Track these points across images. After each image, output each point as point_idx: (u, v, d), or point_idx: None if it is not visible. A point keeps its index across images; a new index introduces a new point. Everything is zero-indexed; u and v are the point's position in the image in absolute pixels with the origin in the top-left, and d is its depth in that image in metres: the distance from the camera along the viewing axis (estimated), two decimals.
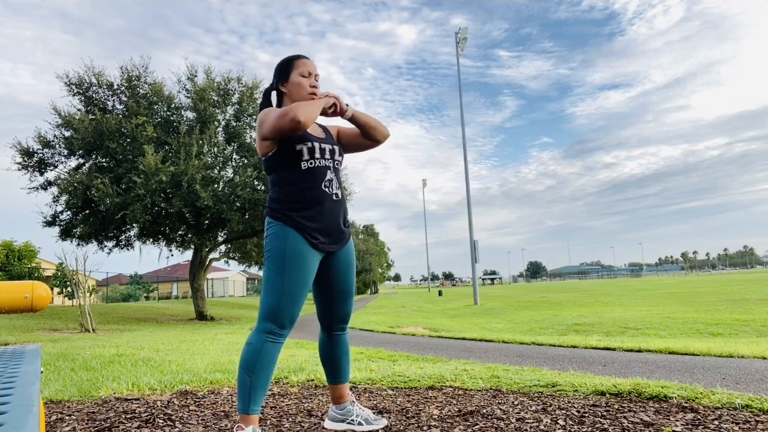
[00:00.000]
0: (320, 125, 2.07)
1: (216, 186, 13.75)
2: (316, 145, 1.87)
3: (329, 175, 1.89)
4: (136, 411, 2.37)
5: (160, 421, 2.19)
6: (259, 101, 15.36)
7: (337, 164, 1.94)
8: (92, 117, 13.05)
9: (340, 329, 2.03)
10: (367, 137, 2.04)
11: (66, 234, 14.17)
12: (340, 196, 1.92)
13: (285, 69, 1.95)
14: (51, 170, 14.10)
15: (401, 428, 1.99)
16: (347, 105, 1.96)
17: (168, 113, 14.53)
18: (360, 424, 1.98)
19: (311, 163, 1.85)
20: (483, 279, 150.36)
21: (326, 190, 1.86)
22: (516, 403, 2.34)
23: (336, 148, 1.96)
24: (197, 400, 2.63)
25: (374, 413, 2.13)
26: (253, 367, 1.72)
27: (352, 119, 1.98)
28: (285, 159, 1.84)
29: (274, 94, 2.01)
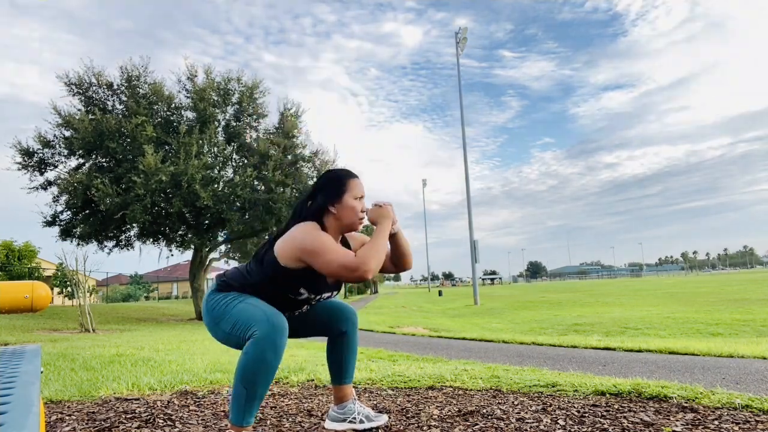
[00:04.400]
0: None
1: (216, 186, 13.76)
2: (319, 296, 1.83)
3: (305, 308, 1.90)
4: (136, 411, 2.37)
5: (160, 421, 2.19)
6: (259, 101, 15.38)
7: (323, 300, 1.92)
8: (92, 117, 13.05)
9: (352, 324, 2.03)
10: (395, 261, 1.91)
11: (66, 234, 14.18)
12: (297, 314, 1.92)
13: (339, 187, 1.79)
14: (51, 170, 14.13)
15: (401, 428, 1.99)
16: (397, 221, 1.83)
17: (168, 113, 14.53)
18: (361, 421, 1.98)
19: (302, 298, 1.81)
20: (483, 279, 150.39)
21: (287, 314, 1.82)
22: (516, 403, 2.34)
23: (335, 293, 1.90)
24: (197, 400, 2.63)
25: (375, 411, 2.13)
26: (250, 380, 1.59)
27: (393, 236, 1.84)
28: (283, 284, 1.75)
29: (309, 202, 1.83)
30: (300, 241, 1.66)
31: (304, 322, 1.98)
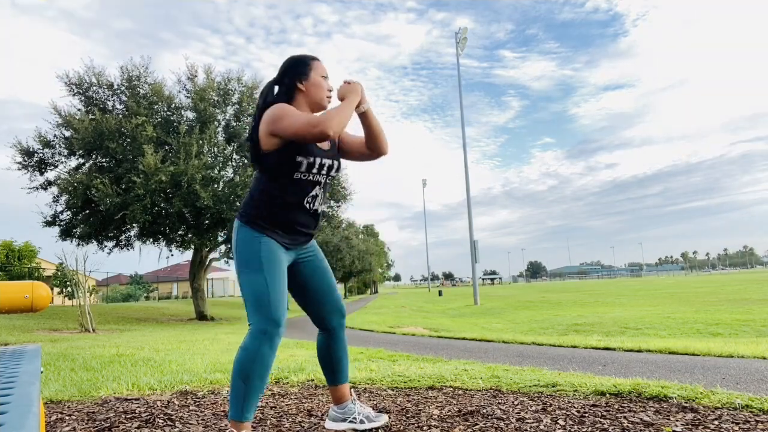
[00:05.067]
0: None
1: (216, 186, 13.75)
2: (317, 160, 1.82)
3: (316, 190, 1.87)
4: (136, 411, 2.37)
5: (160, 421, 2.19)
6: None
7: (329, 179, 1.92)
8: (92, 117, 13.05)
9: (339, 325, 2.01)
10: (369, 144, 1.95)
11: (66, 234, 14.18)
12: (318, 211, 1.91)
13: (304, 66, 1.88)
14: (51, 170, 14.12)
15: (401, 428, 1.99)
16: (366, 99, 1.88)
17: (168, 113, 14.53)
18: (362, 422, 1.97)
19: (304, 176, 1.81)
20: (483, 279, 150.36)
21: (306, 205, 1.84)
22: (516, 403, 2.34)
23: (336, 163, 1.91)
24: (197, 400, 2.63)
25: (375, 411, 2.12)
26: (249, 374, 1.65)
27: (364, 115, 1.88)
28: (280, 164, 1.79)
29: (275, 88, 1.92)
30: (268, 115, 1.76)
31: (307, 285, 1.96)
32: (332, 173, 1.91)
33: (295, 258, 1.93)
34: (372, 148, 1.96)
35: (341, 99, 1.83)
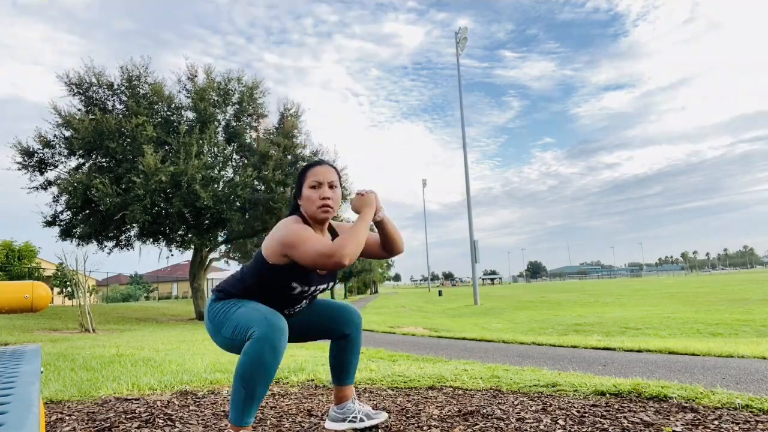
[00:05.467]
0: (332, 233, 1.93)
1: (216, 186, 13.75)
2: (313, 288, 1.83)
3: (302, 304, 1.89)
4: (136, 411, 2.37)
5: (160, 421, 2.19)
6: (259, 101, 15.38)
7: (318, 294, 1.92)
8: (92, 117, 13.05)
9: (356, 328, 2.03)
10: (386, 248, 1.90)
11: (66, 234, 14.18)
12: (305, 306, 1.92)
13: (299, 181, 1.83)
14: (51, 170, 14.13)
15: (401, 428, 1.99)
16: (381, 208, 1.83)
17: (168, 113, 14.53)
18: (361, 420, 1.97)
19: (296, 292, 1.81)
20: (483, 279, 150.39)
21: (285, 312, 1.84)
22: (516, 403, 2.34)
23: (331, 284, 1.90)
24: (197, 400, 2.63)
25: (374, 409, 2.12)
26: (249, 380, 1.59)
27: (380, 224, 1.84)
28: (275, 281, 1.76)
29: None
30: (279, 235, 1.69)
31: (309, 326, 1.98)
32: (323, 291, 1.92)
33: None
34: (388, 251, 1.92)
35: (355, 211, 1.78)
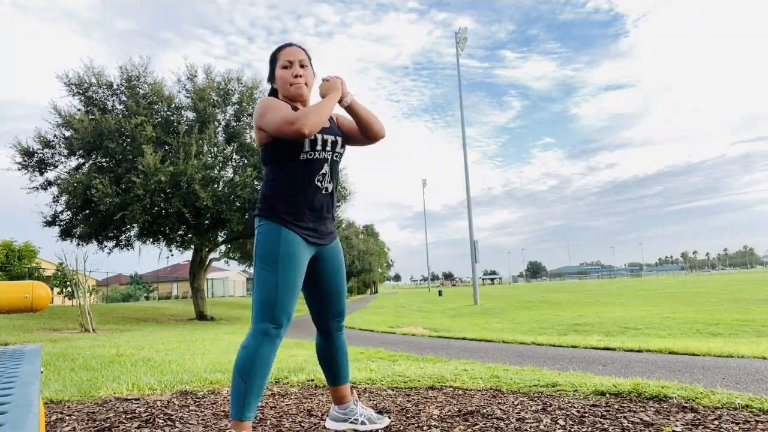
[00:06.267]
0: None
1: (216, 186, 13.75)
2: (319, 136, 1.82)
3: (325, 168, 1.85)
4: (136, 411, 2.37)
5: (160, 421, 2.19)
6: (258, 100, 15.37)
7: (336, 156, 1.90)
8: (92, 117, 13.04)
9: (338, 329, 2.01)
10: (363, 133, 1.95)
11: (66, 234, 14.17)
12: (330, 190, 1.89)
13: (271, 64, 1.92)
14: (51, 170, 14.11)
15: (401, 428, 1.99)
16: (348, 93, 1.87)
17: (168, 113, 14.52)
18: (363, 423, 1.97)
19: (310, 155, 1.80)
20: (483, 279, 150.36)
21: (318, 184, 1.83)
22: (516, 403, 2.34)
23: (339, 139, 1.90)
24: (197, 400, 2.63)
25: (377, 412, 2.12)
26: (249, 372, 1.66)
27: (349, 108, 1.88)
28: (283, 149, 1.79)
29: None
30: (255, 111, 1.81)
31: (320, 280, 1.94)
32: (337, 149, 1.90)
33: (317, 253, 1.90)
34: (367, 136, 1.96)
35: (322, 96, 1.83)
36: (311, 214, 1.83)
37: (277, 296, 1.71)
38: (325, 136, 1.85)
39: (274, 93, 1.96)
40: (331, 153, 1.87)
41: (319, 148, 1.82)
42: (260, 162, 1.95)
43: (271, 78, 1.93)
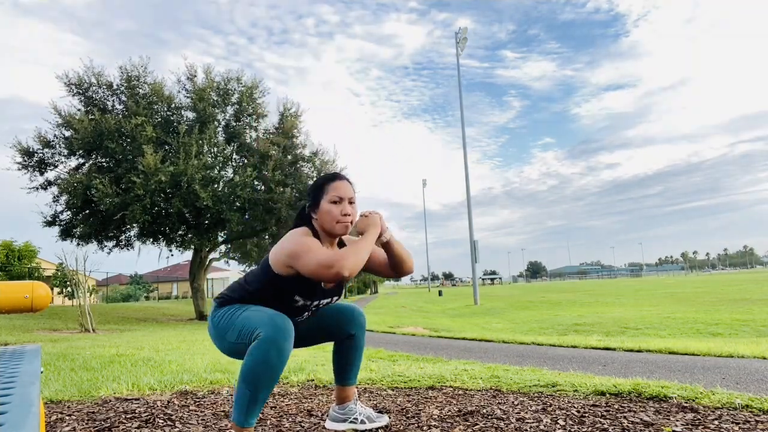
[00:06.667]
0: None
1: (216, 186, 13.75)
2: (315, 302, 1.83)
3: (305, 315, 1.89)
4: (136, 411, 2.37)
5: (160, 421, 2.19)
6: (258, 101, 15.37)
7: (322, 307, 1.93)
8: (92, 117, 13.05)
9: (359, 328, 2.03)
10: (394, 268, 1.89)
11: (66, 234, 14.18)
12: (311, 315, 1.92)
13: (317, 193, 1.81)
14: (51, 170, 14.12)
15: (401, 428, 1.99)
16: (387, 229, 1.82)
17: (168, 113, 14.53)
18: (363, 422, 1.97)
19: (301, 305, 1.81)
20: (483, 279, 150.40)
21: (296, 319, 1.84)
22: (516, 403, 2.34)
23: (335, 297, 1.91)
24: (197, 400, 2.63)
25: (376, 411, 2.13)
26: (254, 381, 1.58)
27: (386, 245, 1.83)
28: (278, 292, 1.76)
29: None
30: (285, 246, 1.69)
31: (312, 330, 1.97)
32: (326, 305, 1.93)
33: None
34: (396, 271, 1.91)
35: (360, 233, 1.78)
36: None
37: (268, 312, 1.67)
38: (322, 301, 1.86)
39: (306, 221, 1.84)
40: (320, 306, 1.90)
41: (311, 307, 1.85)
42: (253, 270, 1.89)
43: (312, 208, 1.81)
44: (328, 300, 1.89)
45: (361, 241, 1.72)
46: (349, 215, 1.78)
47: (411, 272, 1.93)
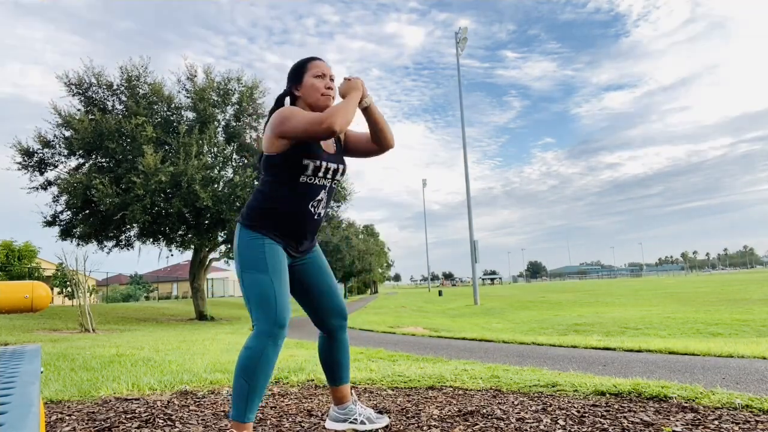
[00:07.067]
0: None
1: (216, 186, 13.75)
2: (324, 164, 1.83)
3: (321, 194, 1.87)
4: (136, 411, 2.37)
5: (160, 421, 2.19)
6: (259, 101, 15.37)
7: (334, 183, 1.92)
8: (92, 117, 13.05)
9: (340, 327, 2.02)
10: (375, 139, 1.95)
11: (66, 234, 14.17)
12: (321, 215, 1.91)
13: (298, 72, 1.90)
14: (51, 170, 14.11)
15: (401, 428, 1.99)
16: (368, 94, 1.88)
17: (168, 113, 14.53)
18: (363, 423, 1.97)
19: (310, 179, 1.82)
20: (483, 279, 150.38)
21: (311, 209, 1.85)
22: (516, 403, 2.34)
23: (341, 167, 1.92)
24: (197, 400, 2.63)
25: (376, 412, 2.13)
26: (252, 373, 1.65)
27: (367, 110, 1.89)
28: (286, 167, 1.79)
29: (287, 99, 1.96)
30: (273, 119, 1.78)
31: (309, 285, 1.96)
32: (338, 177, 1.92)
33: (298, 262, 1.94)
34: (378, 143, 1.97)
35: (343, 96, 1.83)
36: (296, 234, 1.85)
37: (276, 295, 1.71)
38: (330, 164, 1.86)
39: (282, 101, 1.94)
40: (330, 180, 1.89)
41: (321, 174, 1.84)
42: (260, 169, 1.93)
43: (295, 85, 1.90)
44: (335, 166, 1.88)
45: (345, 100, 1.79)
46: (332, 89, 1.89)
47: (392, 145, 1.99)
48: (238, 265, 1.81)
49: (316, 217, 1.88)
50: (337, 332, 2.02)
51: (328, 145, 1.92)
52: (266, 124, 1.87)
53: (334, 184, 1.93)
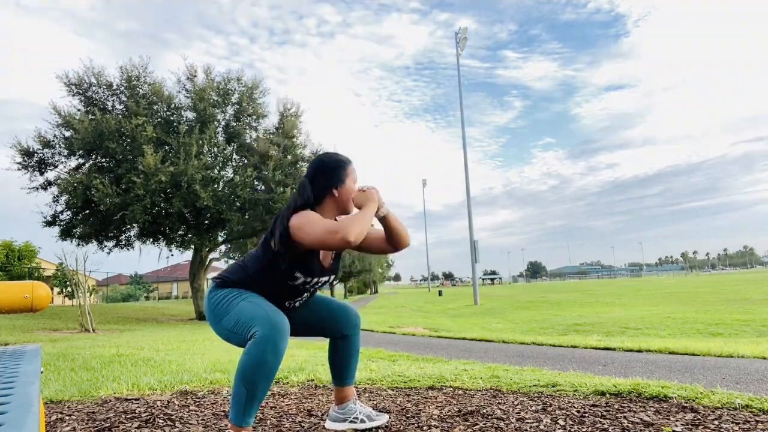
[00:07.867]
0: None
1: (216, 186, 13.76)
2: (314, 280, 1.84)
3: (304, 297, 1.90)
4: (136, 411, 2.37)
5: (160, 421, 2.19)
6: (258, 101, 15.37)
7: (318, 289, 1.94)
8: (92, 117, 13.05)
9: (354, 328, 2.03)
10: (391, 242, 1.91)
11: (66, 234, 14.17)
12: (297, 306, 1.93)
13: (342, 172, 1.85)
14: (51, 170, 14.12)
15: (401, 428, 1.99)
16: (384, 203, 1.85)
17: (168, 113, 14.53)
18: (362, 421, 1.97)
19: (297, 283, 1.82)
20: (483, 279, 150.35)
21: (287, 304, 1.86)
22: (516, 403, 2.34)
23: (332, 276, 1.93)
24: (197, 400, 2.63)
25: (375, 411, 2.13)
26: (251, 380, 1.59)
27: (383, 219, 1.85)
28: (278, 270, 1.77)
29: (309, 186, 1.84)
30: (293, 222, 1.73)
31: (308, 323, 1.98)
32: (323, 287, 1.95)
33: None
34: (394, 245, 1.93)
35: (358, 207, 1.80)
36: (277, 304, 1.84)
37: (264, 304, 1.69)
38: (321, 279, 1.87)
39: (309, 197, 1.82)
40: (316, 288, 1.91)
41: (308, 287, 1.86)
42: (252, 251, 1.91)
43: (336, 186, 1.83)
44: (327, 279, 1.90)
45: (362, 212, 1.76)
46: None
47: (408, 245, 1.96)
48: (214, 318, 1.75)
49: (290, 308, 1.88)
50: (352, 335, 2.03)
51: (327, 255, 1.89)
52: (291, 203, 1.81)
53: (319, 289, 1.94)
